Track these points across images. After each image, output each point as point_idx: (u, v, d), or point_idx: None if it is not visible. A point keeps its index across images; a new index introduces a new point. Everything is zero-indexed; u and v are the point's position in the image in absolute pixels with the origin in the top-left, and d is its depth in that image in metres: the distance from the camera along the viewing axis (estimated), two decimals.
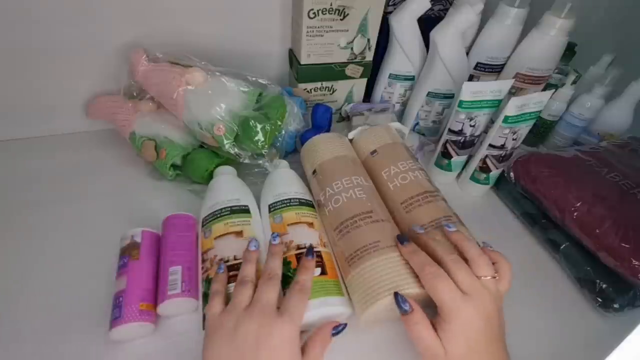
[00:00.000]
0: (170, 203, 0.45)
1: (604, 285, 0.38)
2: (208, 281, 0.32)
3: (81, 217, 0.43)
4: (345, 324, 0.30)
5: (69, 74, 0.50)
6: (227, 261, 0.33)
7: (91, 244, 0.39)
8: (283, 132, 0.48)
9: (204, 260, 0.34)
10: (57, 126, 0.54)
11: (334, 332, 0.29)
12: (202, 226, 0.37)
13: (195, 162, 0.46)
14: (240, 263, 0.33)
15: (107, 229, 0.38)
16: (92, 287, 0.35)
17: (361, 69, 0.57)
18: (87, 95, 0.53)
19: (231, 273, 0.32)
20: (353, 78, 0.58)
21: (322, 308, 0.31)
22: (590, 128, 0.58)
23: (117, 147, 0.52)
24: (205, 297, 0.31)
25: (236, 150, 0.45)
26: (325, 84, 0.58)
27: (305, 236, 0.36)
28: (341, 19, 0.50)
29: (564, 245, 0.43)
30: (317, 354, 0.28)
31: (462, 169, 0.53)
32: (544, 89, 0.55)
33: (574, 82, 0.55)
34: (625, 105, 0.55)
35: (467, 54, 0.54)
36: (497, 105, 0.46)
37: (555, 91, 0.56)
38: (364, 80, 0.60)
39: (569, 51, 0.59)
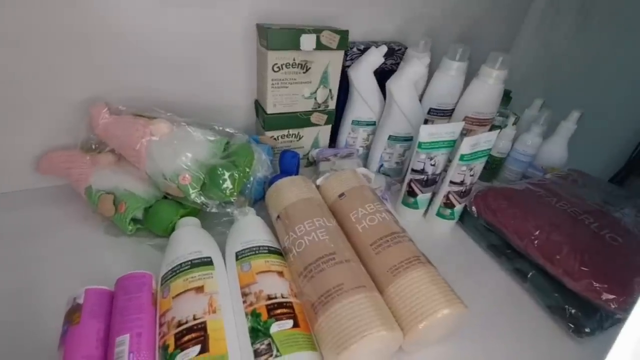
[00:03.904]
0: (130, 260, 0.41)
1: (573, 311, 0.40)
2: (165, 348, 0.29)
3: (29, 282, 0.38)
4: None
5: (20, 128, 0.47)
6: (186, 322, 0.30)
7: (39, 314, 0.35)
8: (251, 179, 0.48)
9: (161, 325, 0.31)
10: (4, 184, 0.49)
11: None
12: (161, 285, 0.34)
13: (159, 214, 0.44)
14: (200, 323, 0.30)
15: (58, 295, 0.33)
16: None
17: (325, 116, 0.60)
18: (39, 150, 0.50)
19: (187, 337, 0.29)
20: (318, 125, 0.61)
21: None
22: (534, 163, 0.64)
23: (70, 204, 0.48)
24: None
25: (203, 199, 0.44)
26: (291, 131, 0.59)
27: (275, 286, 0.34)
28: (304, 72, 0.54)
29: (530, 273, 0.44)
30: None
31: (428, 205, 0.55)
32: (490, 130, 0.61)
33: (514, 123, 0.62)
34: (560, 141, 0.62)
35: (420, 100, 0.60)
36: (453, 145, 0.50)
37: (500, 131, 0.62)
38: (329, 127, 0.63)
39: (506, 97, 0.67)
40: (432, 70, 0.60)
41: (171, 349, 0.29)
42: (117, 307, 0.32)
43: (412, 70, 0.54)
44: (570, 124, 0.60)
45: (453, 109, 0.60)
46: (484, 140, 0.48)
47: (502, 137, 0.63)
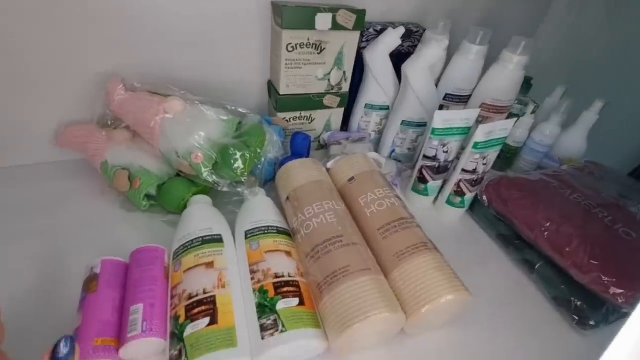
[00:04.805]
0: (144, 235, 0.43)
1: (578, 303, 0.39)
2: (176, 318, 0.30)
3: (48, 251, 0.40)
4: (68, 337, 0.22)
5: (39, 102, 0.48)
6: (196, 295, 0.31)
7: (58, 281, 0.36)
8: (262, 160, 0.48)
9: (172, 297, 0.32)
10: (24, 156, 0.51)
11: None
12: (173, 259, 0.35)
13: (171, 192, 0.45)
14: (210, 297, 0.31)
15: (76, 264, 0.35)
16: (55, 327, 0.32)
17: (338, 99, 0.59)
18: (57, 124, 0.51)
19: (197, 309, 0.30)
20: (331, 108, 0.60)
21: (298, 340, 0.30)
22: (551, 153, 0.63)
23: (86, 178, 0.50)
24: (174, 336, 0.29)
25: (214, 178, 0.44)
26: (303, 113, 0.59)
27: (282, 265, 0.35)
28: (318, 53, 0.53)
29: (538, 264, 0.44)
30: None
31: (439, 193, 0.55)
32: (507, 118, 0.59)
33: (533, 112, 0.60)
34: (580, 132, 0.60)
35: (437, 85, 0.58)
36: (467, 132, 0.49)
37: (517, 119, 0.60)
38: (342, 110, 0.62)
39: (526, 84, 0.65)
40: (450, 54, 0.58)
41: (182, 319, 0.30)
42: (131, 278, 0.33)
43: (430, 53, 0.53)
44: (592, 114, 0.58)
45: (470, 95, 0.58)
46: (500, 128, 0.47)
47: (519, 125, 0.61)
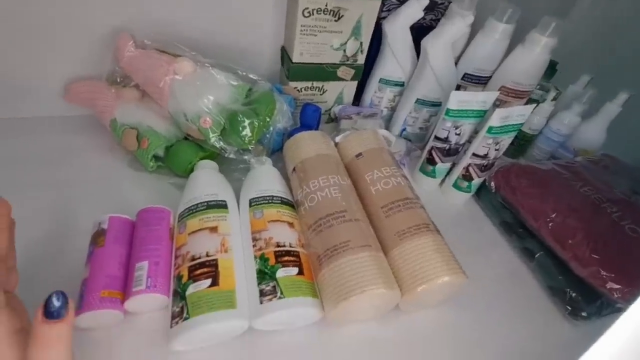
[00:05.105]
0: (150, 195, 0.43)
1: (573, 294, 0.40)
2: (179, 278, 0.31)
3: (55, 204, 0.41)
4: (59, 292, 0.21)
5: (49, 54, 0.47)
6: (199, 257, 0.32)
7: (66, 233, 0.38)
8: (271, 129, 0.47)
9: (176, 257, 0.33)
10: (33, 108, 0.51)
11: (48, 316, 0.20)
12: (178, 221, 0.36)
13: (179, 155, 0.45)
14: (212, 260, 0.32)
15: (82, 218, 0.36)
16: (63, 276, 0.33)
17: (353, 71, 0.57)
18: (66, 79, 0.50)
19: (199, 271, 0.31)
20: (344, 80, 0.58)
21: (294, 308, 0.31)
22: (566, 144, 0.61)
23: (95, 134, 0.50)
24: (177, 294, 0.31)
25: (222, 144, 0.44)
26: (315, 84, 0.57)
27: (284, 235, 0.35)
28: (335, 20, 0.50)
29: (538, 254, 0.44)
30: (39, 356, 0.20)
31: (446, 176, 0.54)
32: (526, 104, 0.57)
33: (554, 99, 0.58)
34: (600, 123, 0.57)
35: (456, 64, 0.56)
36: (482, 115, 0.48)
37: (536, 106, 0.58)
38: (355, 83, 0.60)
39: (551, 69, 0.62)
40: (473, 31, 0.55)
41: (185, 279, 0.31)
42: (137, 236, 0.34)
43: (453, 29, 0.50)
44: (615, 106, 0.55)
45: (489, 77, 0.56)
46: (517, 113, 0.45)
47: (537, 112, 0.59)
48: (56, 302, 0.21)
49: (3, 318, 0.21)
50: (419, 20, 0.53)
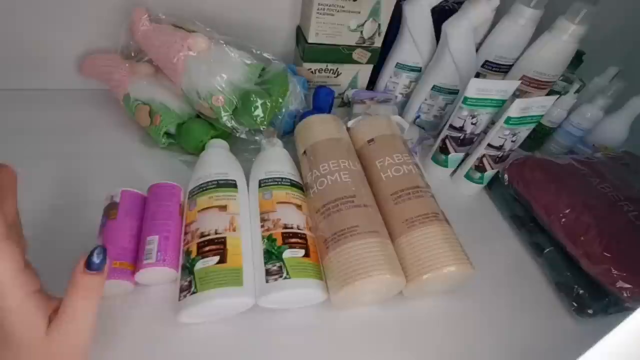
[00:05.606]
0: (161, 171, 0.44)
1: (581, 291, 0.39)
2: (188, 253, 0.32)
3: (68, 175, 0.42)
4: (101, 247, 0.23)
5: (63, 27, 0.47)
6: (208, 235, 0.32)
7: (77, 204, 0.38)
8: (283, 110, 0.47)
9: (186, 233, 0.34)
10: (48, 81, 0.51)
11: (89, 268, 0.23)
12: (188, 198, 0.36)
13: (190, 132, 0.45)
14: (221, 237, 0.32)
15: (95, 191, 0.37)
16: (76, 244, 0.34)
17: (369, 54, 0.56)
18: (80, 52, 0.50)
19: (208, 247, 0.32)
20: (359, 63, 0.57)
21: (300, 288, 0.32)
22: (586, 138, 0.59)
23: (108, 109, 0.50)
24: (185, 269, 0.31)
25: (233, 123, 0.44)
26: (330, 66, 0.56)
27: (292, 217, 0.36)
28: (354, 0, 0.49)
29: (547, 249, 0.44)
30: (77, 307, 0.22)
31: (458, 166, 0.53)
32: (548, 95, 0.55)
33: (577, 91, 0.56)
34: (623, 118, 0.55)
35: (477, 50, 0.54)
36: (501, 105, 0.46)
37: (558, 97, 0.56)
38: (370, 67, 0.59)
39: (577, 59, 0.59)
40: (498, 16, 0.53)
41: (193, 254, 0.32)
42: (148, 210, 0.35)
43: (477, 13, 0.48)
44: None
45: (511, 65, 0.54)
46: (538, 105, 0.44)
47: (558, 104, 0.57)
48: (97, 257, 0.23)
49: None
50: (441, 3, 0.51)
